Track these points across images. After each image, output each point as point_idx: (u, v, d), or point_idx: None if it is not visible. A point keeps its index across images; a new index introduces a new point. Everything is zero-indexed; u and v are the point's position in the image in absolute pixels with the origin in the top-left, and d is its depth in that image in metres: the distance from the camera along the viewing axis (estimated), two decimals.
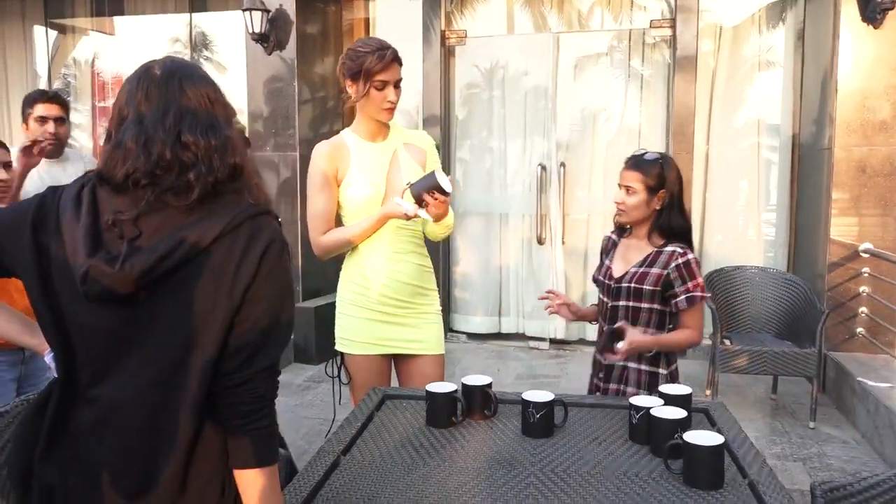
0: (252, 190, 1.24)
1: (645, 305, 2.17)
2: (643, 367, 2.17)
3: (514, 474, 1.53)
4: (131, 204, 1.16)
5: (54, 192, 1.23)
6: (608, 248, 2.40)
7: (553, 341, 5.63)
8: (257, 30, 5.04)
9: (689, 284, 2.14)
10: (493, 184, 5.75)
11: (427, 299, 2.34)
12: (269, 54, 5.24)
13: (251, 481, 1.18)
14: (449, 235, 2.44)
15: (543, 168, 5.49)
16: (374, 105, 2.20)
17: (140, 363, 1.17)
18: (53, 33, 6.94)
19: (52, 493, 1.21)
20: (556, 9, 5.65)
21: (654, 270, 2.17)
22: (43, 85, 6.95)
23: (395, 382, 2.39)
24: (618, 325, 2.14)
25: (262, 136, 5.38)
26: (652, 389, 2.13)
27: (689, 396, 1.83)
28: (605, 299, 2.28)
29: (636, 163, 2.26)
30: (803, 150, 5.15)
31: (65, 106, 3.04)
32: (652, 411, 1.67)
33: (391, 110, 2.23)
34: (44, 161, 2.88)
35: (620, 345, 2.07)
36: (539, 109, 5.58)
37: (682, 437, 1.51)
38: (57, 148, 3.01)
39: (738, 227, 5.45)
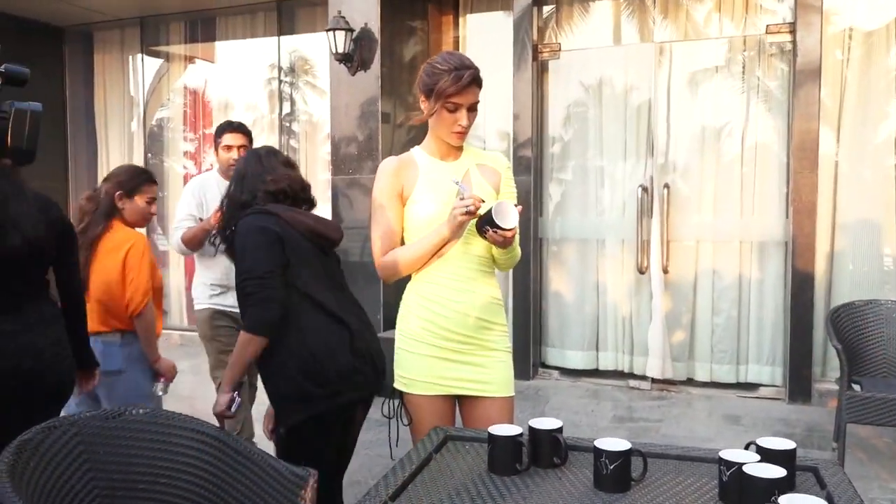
0: None
1: None
2: None
3: None
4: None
5: (270, 215, 2.33)
6: None
7: (655, 381, 5.39)
8: (341, 50, 5.19)
9: None
10: (589, 207, 5.62)
11: (496, 335, 2.26)
12: (353, 74, 5.37)
13: None
14: (514, 265, 2.36)
15: (645, 190, 5.31)
16: (444, 127, 2.19)
17: (341, 289, 2.44)
18: (150, 60, 7.44)
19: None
20: (660, 16, 5.50)
21: None
22: (140, 111, 7.44)
23: (459, 425, 2.33)
24: None
25: (344, 158, 5.50)
26: None
27: (792, 452, 1.66)
28: None
29: None
30: None
31: (248, 135, 3.69)
32: (745, 468, 1.52)
33: (461, 134, 2.20)
34: (223, 180, 3.59)
35: None
36: (641, 126, 5.43)
37: (778, 501, 1.36)
38: None
39: (873, 255, 5.05)
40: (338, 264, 2.50)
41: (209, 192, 3.59)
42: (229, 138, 3.62)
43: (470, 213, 2.08)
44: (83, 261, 2.72)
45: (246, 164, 2.48)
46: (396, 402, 2.28)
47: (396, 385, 2.28)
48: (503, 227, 2.05)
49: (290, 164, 2.51)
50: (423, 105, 2.21)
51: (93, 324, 2.70)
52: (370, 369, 2.34)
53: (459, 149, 2.29)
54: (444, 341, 2.19)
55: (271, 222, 2.30)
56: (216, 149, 3.68)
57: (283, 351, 2.24)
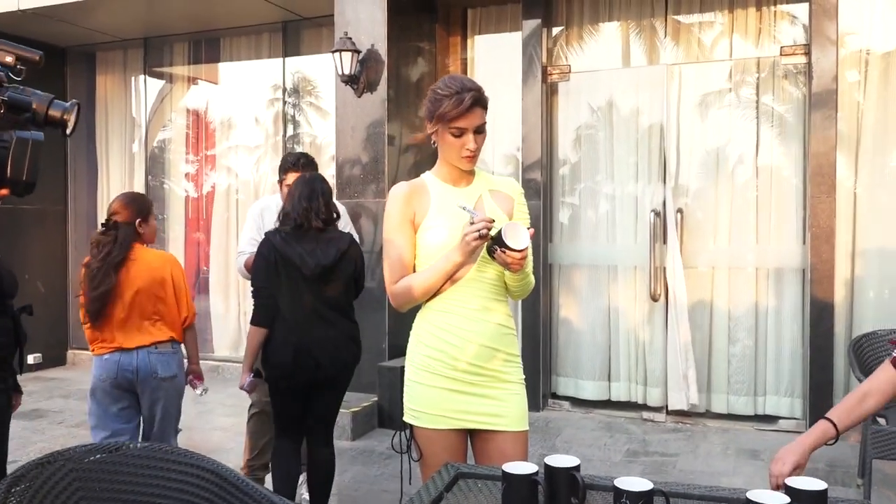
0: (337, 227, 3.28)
1: None
2: None
3: None
4: (302, 237, 3.14)
5: (272, 239, 3.16)
6: None
7: (671, 412, 5.33)
8: (347, 71, 5.20)
9: None
10: (600, 233, 5.61)
11: (509, 366, 2.22)
12: (360, 96, 5.39)
13: None
14: (527, 293, 2.33)
15: (657, 215, 5.29)
16: (452, 152, 2.19)
17: (335, 303, 3.21)
18: (153, 81, 7.48)
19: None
20: (672, 38, 5.51)
21: None
22: (142, 133, 7.46)
23: (472, 461, 2.28)
24: None
25: (350, 182, 5.50)
26: None
27: (823, 493, 1.61)
28: None
29: None
30: None
31: (314, 169, 3.76)
32: None
33: (471, 158, 2.19)
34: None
35: None
36: (652, 149, 5.43)
37: None
38: None
39: (894, 282, 5.00)
40: (330, 285, 3.18)
41: (268, 217, 3.69)
42: (293, 178, 3.56)
43: (482, 238, 2.06)
44: (108, 285, 3.15)
45: (294, 188, 3.25)
46: (406, 434, 2.24)
47: (406, 418, 2.24)
48: (513, 247, 2.03)
49: (310, 194, 3.18)
50: (431, 132, 2.22)
51: (147, 336, 3.22)
52: (310, 369, 3.15)
53: (472, 174, 2.28)
54: (455, 372, 2.16)
55: (266, 247, 3.17)
56: (280, 183, 3.74)
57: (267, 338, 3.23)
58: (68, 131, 1.54)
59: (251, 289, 3.26)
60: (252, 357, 3.24)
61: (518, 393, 2.24)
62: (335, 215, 3.26)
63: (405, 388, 2.26)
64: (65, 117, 1.50)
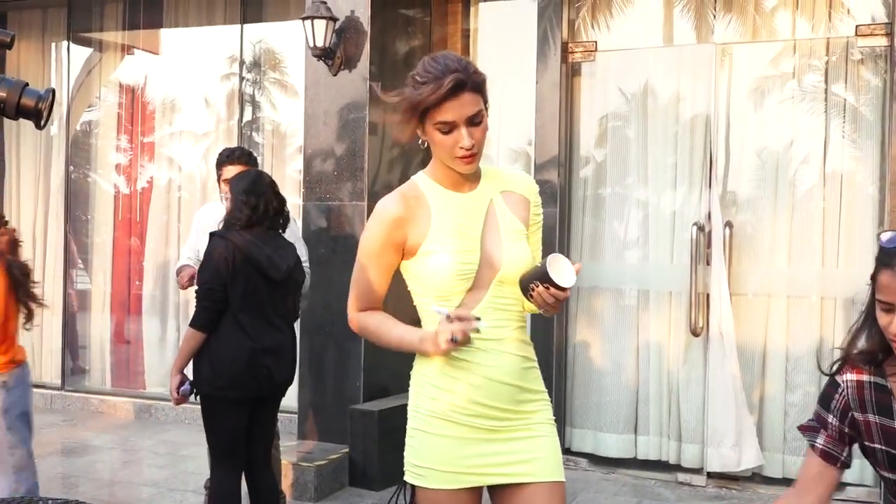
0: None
1: None
2: None
3: None
4: (260, 237, 3.64)
5: (232, 238, 3.56)
6: (864, 399, 2.02)
7: (713, 475, 5.35)
8: (320, 43, 5.24)
9: None
10: (628, 249, 5.65)
11: (534, 405, 2.25)
12: (335, 74, 5.43)
13: None
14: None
15: (700, 229, 5.33)
16: (444, 153, 2.16)
17: (285, 310, 3.79)
18: (78, 49, 7.50)
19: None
20: (723, 11, 5.57)
21: None
22: (63, 112, 7.48)
23: None
24: None
25: (320, 179, 5.53)
26: None
27: None
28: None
29: None
30: None
31: (248, 162, 4.21)
32: None
33: (468, 159, 2.14)
34: None
35: None
36: (696, 148, 5.47)
37: None
38: None
39: None
40: (287, 293, 3.76)
41: (210, 225, 3.97)
42: (231, 171, 4.03)
43: (455, 343, 2.06)
44: None
45: (232, 186, 3.69)
46: (406, 498, 2.31)
47: (408, 478, 2.24)
48: (560, 285, 2.04)
49: (254, 191, 3.61)
50: (418, 130, 2.20)
51: None
52: (262, 378, 3.62)
53: (477, 173, 2.27)
54: (476, 418, 2.18)
55: (221, 245, 3.55)
56: (219, 180, 4.20)
57: (204, 346, 3.58)
58: (42, 123, 1.56)
59: (196, 287, 3.63)
60: (185, 359, 3.63)
61: (548, 434, 2.26)
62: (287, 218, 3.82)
63: (407, 441, 2.26)
64: (40, 107, 1.52)
